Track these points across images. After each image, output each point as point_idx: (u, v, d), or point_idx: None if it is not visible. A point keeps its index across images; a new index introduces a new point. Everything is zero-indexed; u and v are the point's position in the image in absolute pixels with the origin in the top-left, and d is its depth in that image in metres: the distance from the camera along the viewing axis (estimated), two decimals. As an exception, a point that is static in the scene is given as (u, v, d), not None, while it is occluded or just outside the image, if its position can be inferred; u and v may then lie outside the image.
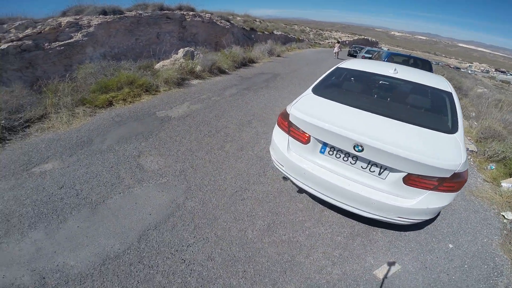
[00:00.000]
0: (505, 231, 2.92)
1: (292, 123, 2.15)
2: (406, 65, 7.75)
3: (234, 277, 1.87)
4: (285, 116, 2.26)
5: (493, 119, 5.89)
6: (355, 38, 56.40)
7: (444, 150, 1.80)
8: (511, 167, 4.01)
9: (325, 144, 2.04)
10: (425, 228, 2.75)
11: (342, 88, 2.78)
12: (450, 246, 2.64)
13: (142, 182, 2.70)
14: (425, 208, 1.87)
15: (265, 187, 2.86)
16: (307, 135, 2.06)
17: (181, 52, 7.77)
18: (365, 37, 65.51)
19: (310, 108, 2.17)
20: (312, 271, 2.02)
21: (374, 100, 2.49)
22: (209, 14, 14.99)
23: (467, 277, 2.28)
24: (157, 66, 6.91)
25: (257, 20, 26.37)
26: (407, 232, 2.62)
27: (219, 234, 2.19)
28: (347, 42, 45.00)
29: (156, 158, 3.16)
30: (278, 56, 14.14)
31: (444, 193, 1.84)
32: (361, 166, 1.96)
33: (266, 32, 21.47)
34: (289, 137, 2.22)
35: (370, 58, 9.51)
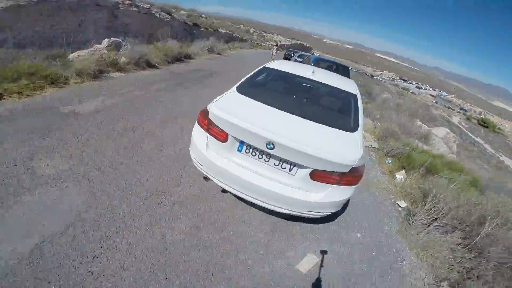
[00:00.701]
0: (400, 219, 3.49)
1: (211, 121, 2.13)
2: (330, 70, 8.74)
3: (156, 285, 1.77)
4: (205, 113, 2.21)
5: (392, 121, 7.16)
6: (293, 42, 60.39)
7: (344, 147, 1.99)
8: (402, 161, 4.95)
9: (242, 143, 2.07)
10: (336, 220, 3.03)
11: (265, 87, 2.85)
12: (358, 235, 2.95)
13: (33, 189, 2.27)
14: (331, 202, 2.06)
15: (186, 189, 2.76)
16: (225, 133, 2.07)
17: (105, 42, 6.85)
18: (301, 42, 70.73)
19: (230, 106, 2.18)
20: (240, 272, 2.04)
21: (291, 100, 2.62)
22: (148, 5, 13.79)
23: (377, 265, 2.59)
24: (71, 56, 5.93)
25: (203, 16, 25.49)
26: (320, 224, 2.85)
27: (131, 242, 2.02)
28: (285, 45, 47.70)
29: (53, 161, 2.69)
30: (219, 54, 13.99)
31: (345, 186, 2.04)
32: (274, 164, 2.04)
33: (210, 29, 21.00)
34: (208, 135, 2.19)
35: (302, 62, 10.35)
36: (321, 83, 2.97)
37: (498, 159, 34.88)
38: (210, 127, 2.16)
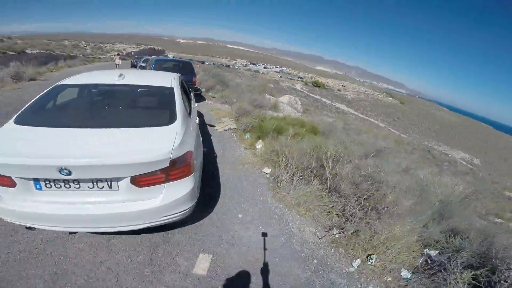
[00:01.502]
0: (271, 184, 3.86)
1: None
2: (177, 68, 8.54)
3: None
4: None
5: (244, 100, 7.94)
6: (141, 48, 56.00)
7: (155, 143, 1.91)
8: (257, 132, 5.58)
9: (36, 180, 1.78)
10: (214, 209, 3.02)
11: (58, 107, 2.49)
12: (240, 216, 3.03)
13: None
14: (176, 199, 1.97)
15: (23, 244, 2.25)
16: (7, 177, 1.75)
17: None
18: (152, 47, 66.80)
19: (4, 145, 1.84)
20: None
21: (90, 113, 2.42)
22: None
23: (268, 238, 2.69)
24: None
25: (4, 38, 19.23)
26: (203, 220, 2.78)
27: None
28: (132, 53, 43.56)
29: None
30: (33, 80, 10.73)
31: (180, 180, 1.98)
32: (88, 187, 1.83)
33: (10, 52, 16.31)
34: None
35: (144, 67, 9.60)
36: (130, 85, 2.79)
37: (335, 106, 48.54)
38: None
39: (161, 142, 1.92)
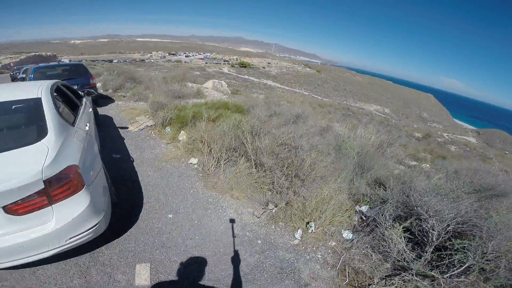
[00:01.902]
0: (200, 174, 3.60)
1: None
2: (67, 73, 7.04)
3: None
4: None
5: (160, 93, 7.18)
6: (22, 57, 45.23)
7: (21, 166, 1.69)
8: (177, 123, 5.11)
9: None
10: (140, 216, 2.75)
11: None
12: (170, 216, 2.79)
13: None
14: (73, 219, 1.82)
15: None
16: None
17: None
18: (38, 54, 54.78)
19: None
20: None
21: None
22: None
23: (205, 230, 2.53)
24: None
25: None
26: (128, 231, 2.54)
27: None
28: (12, 64, 34.75)
29: None
30: None
31: (70, 197, 1.80)
32: None
33: None
34: None
35: (25, 78, 7.60)
36: None
37: (263, 83, 50.08)
38: None
39: (28, 163, 1.72)
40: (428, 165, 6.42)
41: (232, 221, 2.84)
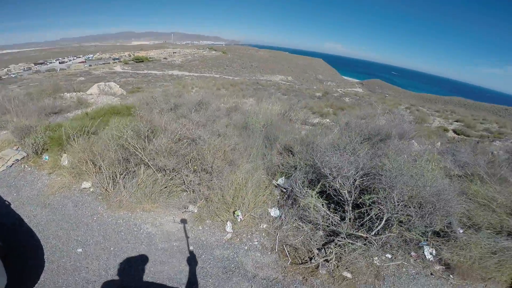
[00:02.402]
0: (99, 197, 3.04)
1: None
2: None
3: None
4: None
5: (26, 115, 5.49)
6: None
7: None
8: (54, 147, 4.00)
9: None
10: (47, 254, 2.34)
11: None
12: (79, 250, 2.40)
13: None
14: None
15: None
16: None
17: None
18: None
19: None
20: None
21: None
22: None
23: (131, 257, 2.24)
24: None
25: None
26: (42, 276, 2.18)
27: None
28: None
29: None
30: None
31: None
32: None
33: None
34: None
35: None
36: None
37: (169, 74, 46.36)
38: None
39: None
40: (328, 120, 7.28)
41: (150, 235, 2.47)
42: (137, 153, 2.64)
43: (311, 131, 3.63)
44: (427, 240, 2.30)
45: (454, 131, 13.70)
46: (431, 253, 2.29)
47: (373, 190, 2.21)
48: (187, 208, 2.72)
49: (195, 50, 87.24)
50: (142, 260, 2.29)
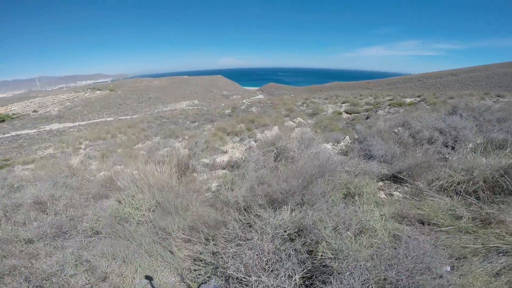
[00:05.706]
0: None
1: None
2: None
3: None
4: None
5: None
6: None
7: None
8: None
9: None
10: None
11: None
12: None
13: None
14: None
15: None
16: None
17: None
18: None
19: None
20: None
21: None
22: None
23: None
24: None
25: None
26: None
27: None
28: None
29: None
30: None
31: None
32: None
33: None
34: None
35: None
36: None
37: (47, 130, 36.62)
38: None
39: None
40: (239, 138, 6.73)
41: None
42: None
43: (223, 184, 2.72)
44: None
45: (346, 112, 15.77)
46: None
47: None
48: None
49: (73, 94, 73.74)
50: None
